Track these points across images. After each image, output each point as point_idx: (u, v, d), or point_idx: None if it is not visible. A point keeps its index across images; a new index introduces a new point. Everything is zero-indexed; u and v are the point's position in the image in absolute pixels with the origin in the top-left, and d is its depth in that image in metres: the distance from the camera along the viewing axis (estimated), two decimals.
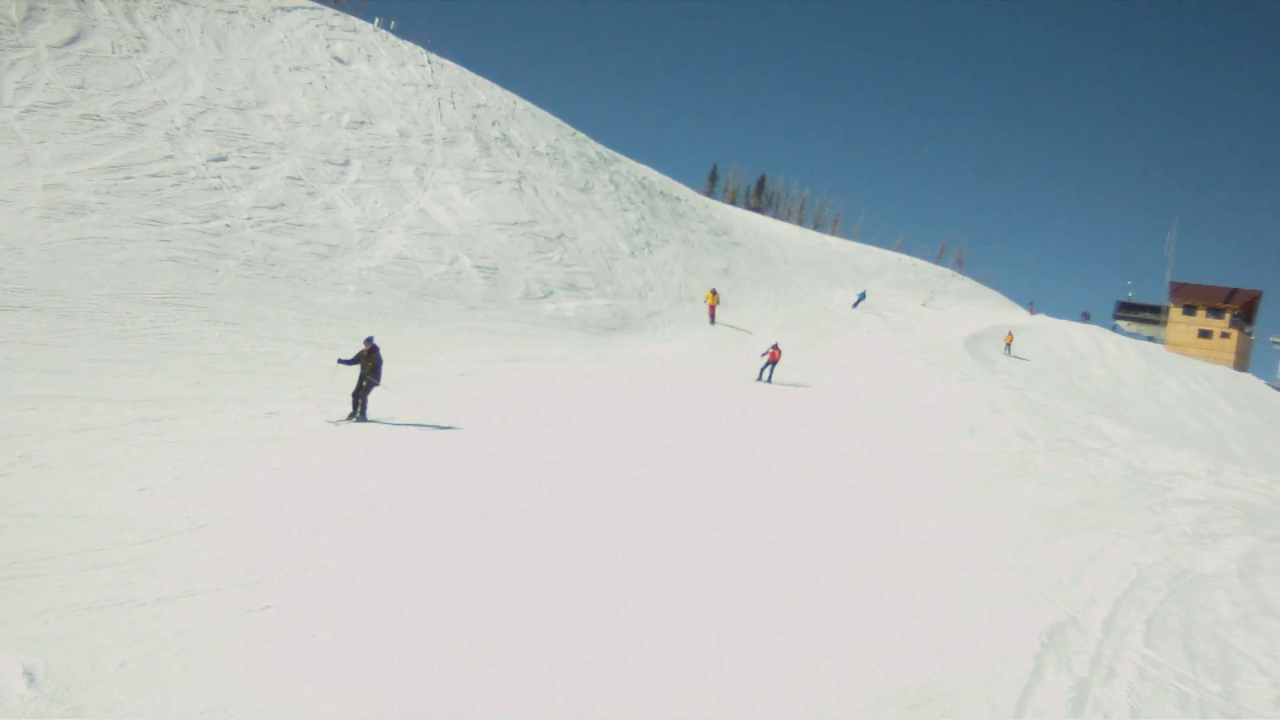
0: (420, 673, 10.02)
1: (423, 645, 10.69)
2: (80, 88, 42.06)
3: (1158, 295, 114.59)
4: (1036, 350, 66.54)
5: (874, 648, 12.27)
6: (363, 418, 22.82)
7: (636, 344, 46.86)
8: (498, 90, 72.75)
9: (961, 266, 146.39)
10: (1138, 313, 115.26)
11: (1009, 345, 64.82)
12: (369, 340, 23.66)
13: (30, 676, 8.54)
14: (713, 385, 38.35)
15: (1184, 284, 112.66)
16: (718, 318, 54.94)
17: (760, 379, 40.87)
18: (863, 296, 73.01)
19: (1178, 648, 14.26)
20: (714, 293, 55.56)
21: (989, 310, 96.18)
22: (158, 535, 12.88)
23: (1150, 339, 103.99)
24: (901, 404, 38.79)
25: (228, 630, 10.33)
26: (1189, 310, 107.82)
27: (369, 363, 23.14)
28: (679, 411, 31.19)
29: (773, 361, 41.33)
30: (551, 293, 49.61)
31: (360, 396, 22.94)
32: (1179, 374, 72.94)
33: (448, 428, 23.65)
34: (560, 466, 21.58)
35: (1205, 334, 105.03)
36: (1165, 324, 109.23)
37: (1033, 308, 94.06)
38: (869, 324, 65.74)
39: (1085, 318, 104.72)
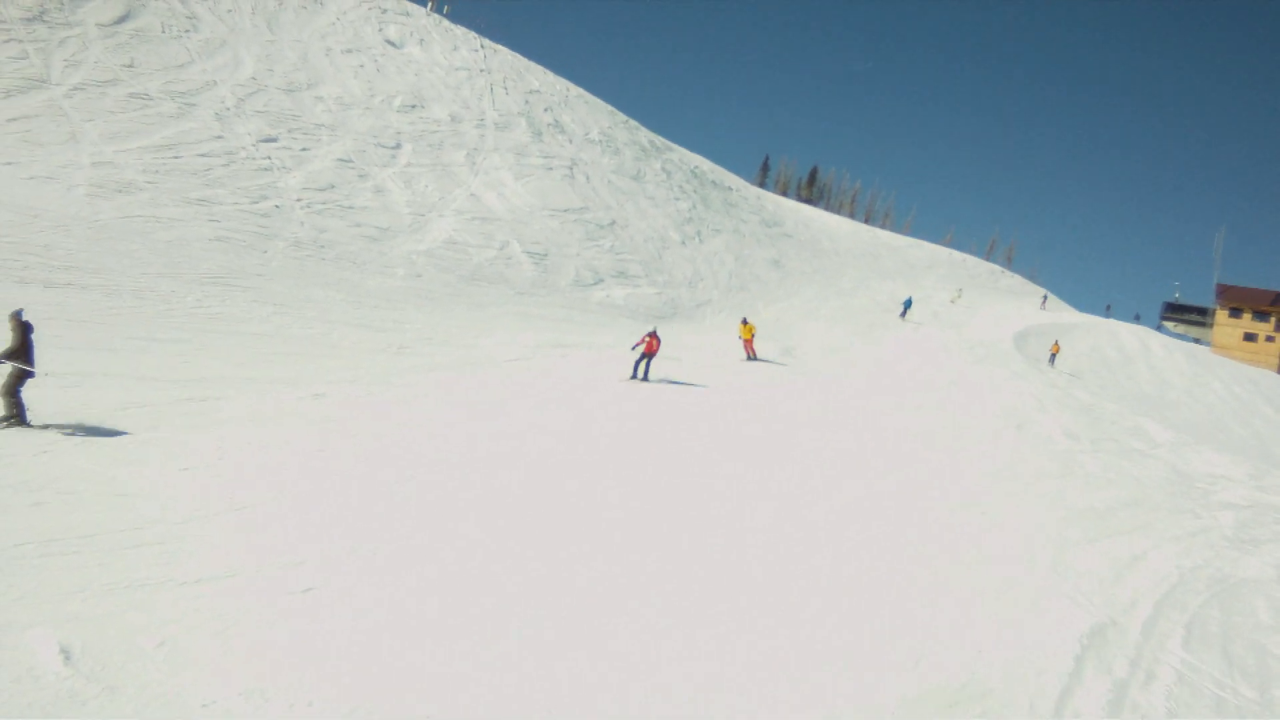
0: (459, 657, 9.79)
1: (462, 631, 10.43)
2: (129, 66, 41.88)
3: (1205, 297, 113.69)
4: (1084, 350, 65.91)
5: (912, 644, 12.07)
6: (22, 420, 15.75)
7: (687, 333, 46.40)
8: (550, 76, 72.59)
9: (1011, 263, 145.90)
10: (1184, 314, 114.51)
11: (1054, 356, 58.56)
12: (16, 315, 16.21)
13: (66, 655, 8.40)
14: (759, 374, 37.82)
15: (1230, 286, 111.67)
16: (758, 352, 41.96)
17: (635, 377, 31.24)
18: (908, 304, 70.95)
19: (1216, 653, 14.05)
20: (747, 323, 42.44)
21: (1034, 306, 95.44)
22: (199, 515, 12.65)
23: (1196, 341, 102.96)
24: (948, 400, 38.18)
25: (267, 612, 10.10)
26: (1235, 313, 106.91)
27: (16, 345, 15.95)
28: (729, 400, 30.64)
29: (649, 354, 31.43)
30: (601, 280, 49.29)
31: (10, 394, 15.77)
32: (1223, 377, 72.13)
33: (498, 410, 23.20)
34: (608, 457, 21.11)
35: (1251, 337, 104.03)
36: (1211, 326, 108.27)
37: (1045, 302, 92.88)
38: (918, 318, 65.16)
39: (1108, 310, 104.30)
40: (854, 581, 14.25)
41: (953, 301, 79.64)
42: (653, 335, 31.71)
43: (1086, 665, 12.25)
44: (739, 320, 43.65)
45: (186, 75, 43.89)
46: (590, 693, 9.49)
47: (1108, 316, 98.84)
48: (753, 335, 41.10)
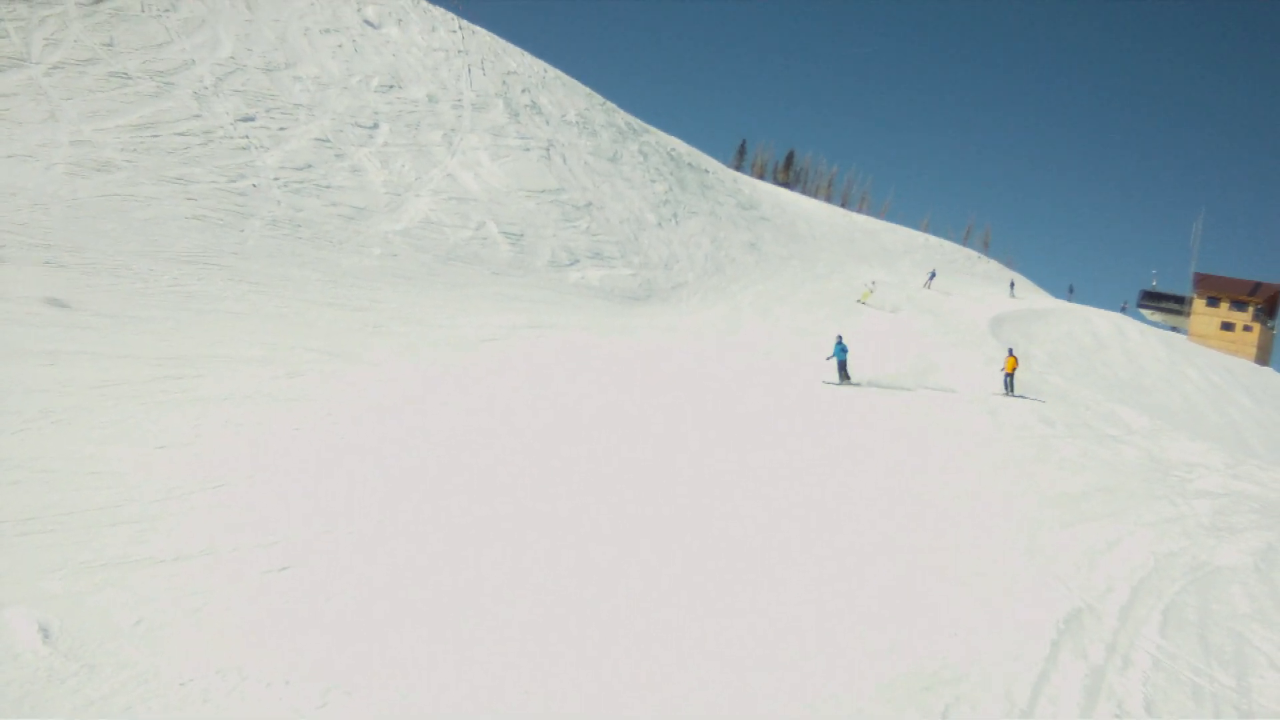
0: (437, 636, 9.86)
1: (440, 609, 10.53)
2: (109, 45, 41.83)
3: (1182, 286, 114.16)
4: (1058, 335, 66.08)
5: (886, 630, 12.05)
6: None
7: (661, 315, 46.68)
8: (528, 58, 72.46)
9: (987, 249, 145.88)
10: (1161, 302, 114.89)
11: (1010, 378, 40.94)
12: None
13: (45, 633, 8.40)
14: (735, 358, 38.07)
15: (1208, 275, 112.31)
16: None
17: None
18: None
19: (1193, 640, 14.01)
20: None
21: (1000, 294, 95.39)
22: (176, 493, 12.67)
23: (1173, 329, 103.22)
24: (922, 385, 38.42)
25: (244, 590, 10.17)
26: (1212, 302, 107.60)
27: None
28: (700, 387, 30.91)
29: None
30: (577, 261, 49.48)
31: None
32: (1200, 365, 72.38)
33: (475, 390, 23.40)
34: (597, 429, 21.35)
35: (1228, 326, 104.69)
36: (1188, 315, 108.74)
37: (1014, 289, 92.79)
38: (893, 303, 65.29)
39: (1071, 292, 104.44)
40: (826, 568, 14.31)
41: (862, 300, 64.34)
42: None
43: (1063, 650, 12.26)
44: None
45: (165, 54, 43.85)
46: (564, 674, 9.61)
47: (1070, 299, 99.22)
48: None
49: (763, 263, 66.91)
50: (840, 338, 37.34)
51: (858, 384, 35.89)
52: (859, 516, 17.95)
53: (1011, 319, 67.31)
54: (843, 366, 36.28)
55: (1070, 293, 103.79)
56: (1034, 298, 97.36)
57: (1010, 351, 42.54)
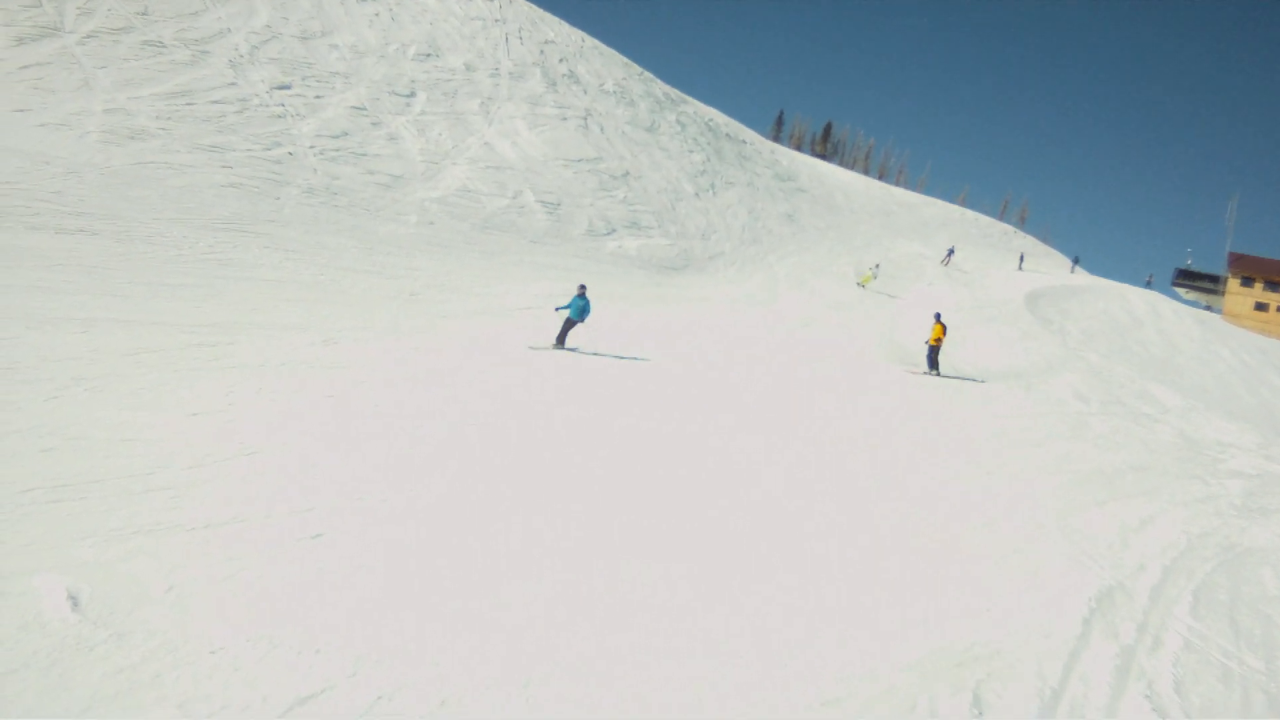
0: (470, 609, 9.58)
1: (472, 580, 10.24)
2: (143, 14, 41.69)
3: (1216, 265, 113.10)
4: (1095, 313, 65.35)
5: (920, 606, 11.81)
6: None
7: (698, 285, 46.36)
8: (566, 27, 72.15)
9: (1024, 224, 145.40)
10: (1196, 281, 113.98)
11: (933, 351, 34.36)
12: None
13: (74, 601, 8.25)
14: (774, 327, 37.71)
15: (1243, 255, 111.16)
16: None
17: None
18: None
19: (1223, 621, 13.63)
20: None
21: (1048, 268, 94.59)
22: (209, 461, 12.43)
23: (1208, 308, 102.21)
24: (957, 359, 37.98)
25: (276, 558, 9.93)
26: (1247, 282, 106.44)
27: None
28: (735, 356, 30.58)
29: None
30: (614, 230, 49.15)
31: None
32: (1233, 345, 71.32)
33: (512, 359, 23.10)
34: (638, 401, 21.02)
35: (1262, 306, 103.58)
36: (1223, 294, 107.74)
37: (1022, 262, 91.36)
38: (931, 276, 64.76)
39: (1076, 261, 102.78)
40: (859, 543, 14.04)
41: (862, 284, 57.68)
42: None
43: (1094, 629, 12.04)
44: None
45: (200, 23, 43.72)
46: (595, 650, 9.32)
47: (1074, 270, 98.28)
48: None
49: (800, 234, 66.48)
50: (583, 288, 27.11)
51: (572, 349, 26.29)
52: (890, 490, 17.59)
53: (1047, 295, 66.54)
54: (569, 326, 26.40)
55: (1075, 262, 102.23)
56: (1047, 264, 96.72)
57: (938, 318, 35.18)
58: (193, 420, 14.16)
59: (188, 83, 38.82)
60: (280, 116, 40.44)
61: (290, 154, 38.04)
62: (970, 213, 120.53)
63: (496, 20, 63.50)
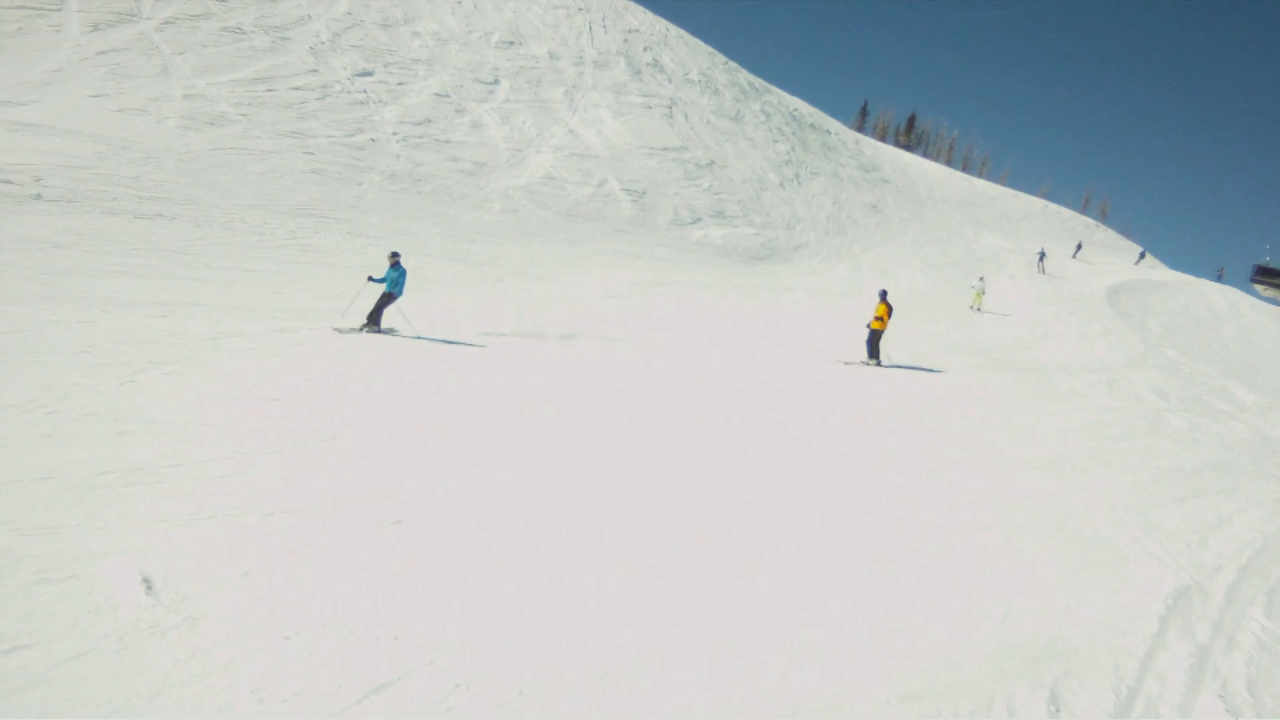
0: (549, 601, 9.21)
1: (554, 571, 9.86)
2: (221, 1, 41.51)
3: None
4: (1175, 309, 64.19)
5: (998, 599, 11.51)
6: None
7: (783, 274, 45.80)
8: (649, 16, 71.99)
9: (1105, 217, 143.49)
10: (1274, 278, 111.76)
11: (874, 336, 28.79)
12: None
13: (149, 584, 8.20)
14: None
15: None
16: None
17: None
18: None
19: None
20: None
21: (1123, 262, 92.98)
22: (287, 446, 12.14)
23: None
24: (1038, 353, 37.10)
25: (353, 544, 9.66)
26: None
27: None
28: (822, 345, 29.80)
29: None
30: (699, 219, 48.50)
31: None
32: None
33: (600, 348, 22.44)
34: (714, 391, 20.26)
35: None
36: None
37: (1078, 252, 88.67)
38: (1013, 269, 63.90)
39: (1143, 255, 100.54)
40: (938, 535, 13.62)
41: (975, 306, 48.17)
42: None
43: (1170, 628, 11.70)
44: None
45: (280, 10, 43.63)
46: (672, 643, 8.85)
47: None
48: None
49: (884, 225, 65.85)
50: (395, 256, 21.49)
51: (388, 331, 20.99)
52: (970, 484, 16.98)
53: (1128, 290, 65.47)
54: (385, 302, 21.03)
55: (1142, 256, 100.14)
56: (1157, 270, 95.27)
57: (883, 296, 28.65)
58: (272, 405, 13.94)
59: (268, 69, 38.53)
60: (362, 103, 40.07)
61: (373, 140, 37.60)
62: (1052, 206, 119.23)
63: (580, 9, 63.32)
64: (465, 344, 20.57)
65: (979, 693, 9.05)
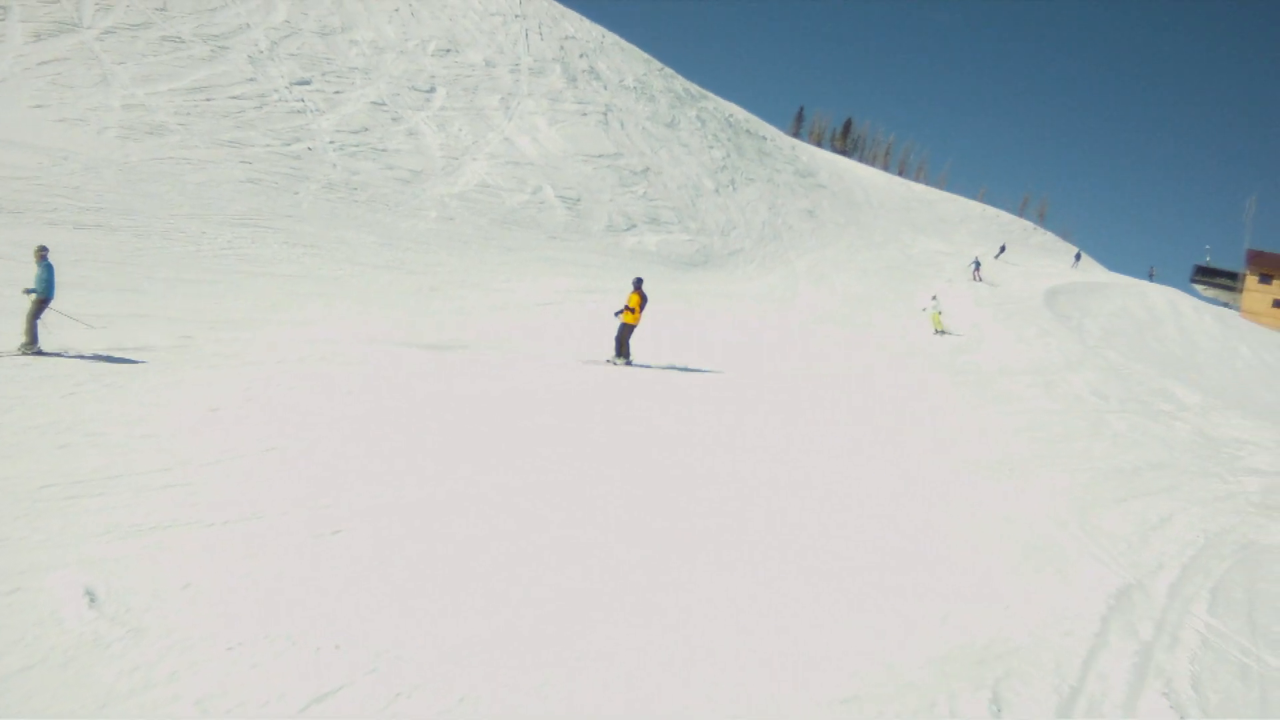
0: (489, 608, 9.44)
1: (495, 581, 10.05)
2: (161, 10, 41.70)
3: (1234, 262, 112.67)
4: (1114, 310, 64.91)
5: (938, 602, 11.71)
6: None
7: (718, 281, 46.27)
8: (586, 23, 72.07)
9: (1043, 220, 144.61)
10: (1214, 278, 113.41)
11: (626, 331, 25.00)
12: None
13: (91, 597, 8.23)
14: (788, 322, 37.59)
15: (1262, 252, 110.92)
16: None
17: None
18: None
19: (1241, 619, 13.55)
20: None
21: (1061, 264, 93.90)
22: (227, 457, 12.37)
23: (1225, 305, 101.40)
24: (975, 356, 37.79)
25: (295, 554, 9.84)
26: (1265, 279, 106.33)
27: None
28: (769, 346, 30.44)
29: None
30: (634, 226, 48.96)
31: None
32: (1252, 342, 70.69)
33: (532, 358, 22.93)
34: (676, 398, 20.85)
35: None
36: (1240, 291, 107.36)
37: (1002, 253, 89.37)
38: (950, 272, 64.57)
39: (1079, 257, 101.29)
40: (876, 539, 13.90)
41: (938, 329, 44.26)
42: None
43: (1112, 627, 11.96)
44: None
45: (219, 19, 43.73)
46: (614, 647, 9.15)
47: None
48: None
49: (820, 230, 66.25)
50: (43, 251, 16.83)
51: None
52: (909, 488, 17.42)
53: (1066, 292, 66.13)
54: (40, 307, 16.51)
55: (1078, 258, 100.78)
56: (1095, 272, 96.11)
57: (637, 285, 25.11)
58: (212, 416, 14.12)
59: (206, 78, 38.77)
60: (300, 112, 40.35)
61: (310, 149, 37.95)
62: (990, 209, 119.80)
63: (516, 16, 63.42)
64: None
65: (921, 695, 9.22)
